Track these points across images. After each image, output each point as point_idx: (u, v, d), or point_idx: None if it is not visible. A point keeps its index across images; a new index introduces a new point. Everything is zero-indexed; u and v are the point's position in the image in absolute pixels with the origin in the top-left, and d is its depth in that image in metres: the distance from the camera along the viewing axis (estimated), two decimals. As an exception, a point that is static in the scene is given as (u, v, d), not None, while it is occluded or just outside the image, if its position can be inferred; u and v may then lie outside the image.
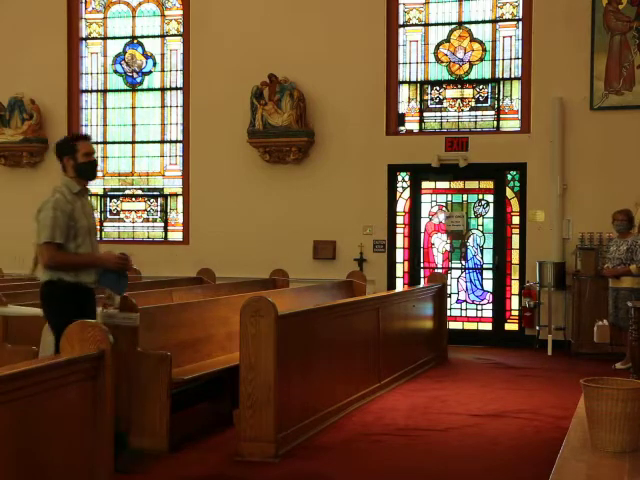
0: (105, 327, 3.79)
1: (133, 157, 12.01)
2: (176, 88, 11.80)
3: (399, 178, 10.95)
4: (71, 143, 5.19)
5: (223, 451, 5.48)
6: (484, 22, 10.84)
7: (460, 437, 5.98)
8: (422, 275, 10.87)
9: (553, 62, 10.31)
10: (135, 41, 12.00)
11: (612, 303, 8.77)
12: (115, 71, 12.06)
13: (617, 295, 8.69)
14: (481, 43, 10.83)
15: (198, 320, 6.45)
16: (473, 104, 10.82)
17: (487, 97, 10.78)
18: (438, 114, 10.94)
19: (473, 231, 10.79)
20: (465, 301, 10.81)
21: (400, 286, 10.78)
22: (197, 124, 11.50)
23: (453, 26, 10.93)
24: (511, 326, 10.61)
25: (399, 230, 10.94)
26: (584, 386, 3.18)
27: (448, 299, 10.28)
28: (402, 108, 11.01)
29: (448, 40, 10.93)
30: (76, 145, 5.15)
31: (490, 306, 10.70)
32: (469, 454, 5.57)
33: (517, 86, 10.68)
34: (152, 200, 11.94)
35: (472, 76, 10.87)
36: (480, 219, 10.78)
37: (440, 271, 10.64)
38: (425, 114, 10.96)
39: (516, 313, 10.57)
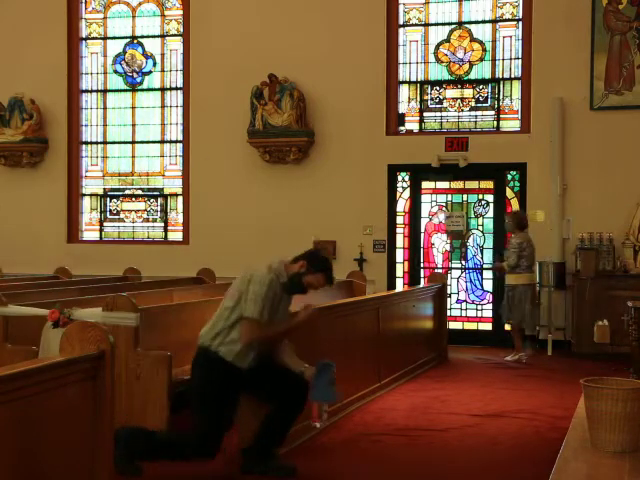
0: (104, 327, 3.79)
1: (133, 157, 12.00)
2: (176, 88, 11.80)
3: (399, 178, 10.95)
4: (320, 269, 5.01)
5: (223, 451, 5.46)
6: (484, 22, 10.84)
7: (460, 437, 5.98)
8: (422, 275, 10.87)
9: (553, 62, 10.31)
10: (135, 41, 12.00)
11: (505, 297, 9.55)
12: (115, 71, 12.06)
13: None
14: (481, 43, 10.83)
15: (198, 320, 6.42)
16: (473, 104, 10.82)
17: (487, 97, 10.79)
18: (438, 114, 10.94)
19: (473, 231, 10.79)
20: (465, 301, 10.81)
21: (400, 286, 10.78)
22: (197, 124, 11.50)
23: (453, 26, 10.93)
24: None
25: (399, 230, 10.94)
26: (584, 386, 3.18)
27: (448, 299, 10.29)
28: (402, 108, 11.01)
29: (448, 40, 10.93)
30: (318, 274, 5.01)
31: (490, 306, 10.70)
32: (469, 454, 5.57)
33: (517, 86, 10.69)
34: (152, 200, 11.94)
35: (472, 76, 10.87)
36: (480, 219, 10.78)
37: (440, 271, 10.65)
38: (425, 114, 10.97)
39: (516, 313, 10.56)
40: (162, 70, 11.90)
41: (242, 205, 11.13)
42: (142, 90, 11.98)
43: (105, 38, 12.10)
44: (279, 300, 4.94)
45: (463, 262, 10.81)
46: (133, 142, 11.98)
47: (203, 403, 4.90)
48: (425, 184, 10.92)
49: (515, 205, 10.58)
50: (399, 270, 10.96)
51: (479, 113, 10.81)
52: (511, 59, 10.72)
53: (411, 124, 11.01)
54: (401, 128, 10.99)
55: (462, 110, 10.84)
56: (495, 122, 10.77)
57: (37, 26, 11.92)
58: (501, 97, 10.74)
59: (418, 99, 10.97)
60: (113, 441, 4.26)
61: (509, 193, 10.66)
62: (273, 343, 5.04)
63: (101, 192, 12.09)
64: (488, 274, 10.71)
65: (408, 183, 10.94)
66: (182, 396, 5.44)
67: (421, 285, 10.21)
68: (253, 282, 4.83)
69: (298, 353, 5.31)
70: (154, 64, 11.93)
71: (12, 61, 12.01)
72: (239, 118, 11.11)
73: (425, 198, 10.94)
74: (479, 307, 10.76)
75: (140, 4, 11.98)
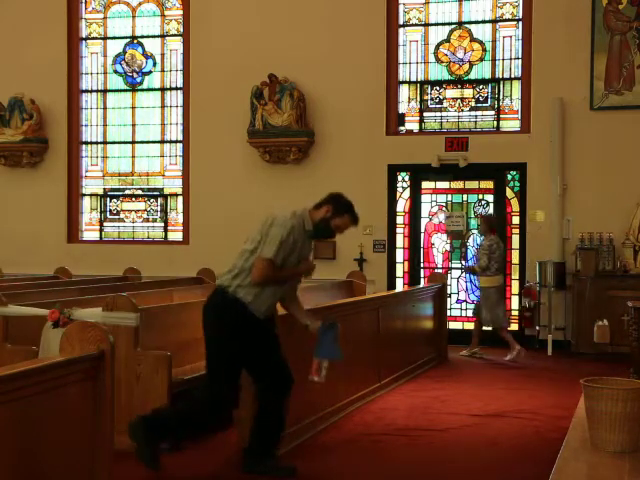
0: (104, 327, 3.79)
1: (133, 157, 12.00)
2: (176, 88, 11.80)
3: (399, 178, 10.95)
4: (345, 210, 5.22)
5: (223, 451, 5.48)
6: (484, 22, 10.84)
7: (460, 437, 5.98)
8: (422, 275, 10.87)
9: (553, 62, 10.31)
10: (135, 41, 12.00)
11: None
12: (115, 71, 12.06)
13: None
14: (481, 43, 10.83)
15: (198, 320, 6.41)
16: (473, 104, 10.82)
17: (487, 97, 10.79)
18: (438, 114, 10.94)
19: (473, 231, 10.79)
20: (465, 301, 10.81)
21: (400, 286, 10.78)
22: (197, 124, 11.50)
23: (453, 26, 10.93)
24: (511, 326, 10.60)
25: (399, 230, 10.95)
26: (584, 386, 3.18)
27: (448, 299, 10.29)
28: (402, 108, 11.01)
29: (448, 40, 10.93)
30: (345, 215, 5.17)
31: (490, 306, 10.69)
32: (469, 454, 5.58)
33: (517, 86, 10.69)
34: (152, 200, 11.94)
35: (472, 76, 10.87)
36: (480, 219, 10.76)
37: (440, 271, 10.65)
38: (425, 114, 10.97)
39: (516, 313, 10.57)
40: (162, 70, 11.90)
41: (242, 205, 11.11)
42: (142, 90, 11.98)
43: (105, 38, 12.10)
44: (300, 247, 5.00)
45: (463, 262, 10.81)
46: (133, 142, 11.98)
47: (218, 348, 4.91)
48: (425, 184, 10.92)
49: (515, 205, 10.59)
50: (399, 270, 10.96)
51: (479, 113, 10.81)
52: (511, 59, 10.72)
53: (411, 124, 11.01)
54: (401, 128, 10.99)
55: (462, 110, 10.85)
56: (495, 122, 10.77)
57: (37, 26, 11.92)
58: (501, 97, 10.75)
59: (418, 99, 10.97)
60: (131, 436, 4.37)
61: (509, 193, 10.66)
62: (280, 284, 5.03)
63: (101, 192, 12.09)
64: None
65: (408, 183, 10.94)
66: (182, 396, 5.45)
67: (421, 285, 10.21)
68: (275, 225, 4.92)
69: (298, 353, 5.32)
70: (154, 64, 11.93)
71: (12, 61, 12.00)
72: (239, 118, 11.11)
73: (425, 198, 10.94)
74: (479, 307, 10.75)
75: (140, 4, 11.98)
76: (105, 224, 12.07)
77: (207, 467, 5.19)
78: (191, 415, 5.01)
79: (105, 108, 12.07)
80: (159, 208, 11.91)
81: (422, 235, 10.92)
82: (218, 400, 4.91)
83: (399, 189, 10.96)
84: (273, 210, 5.11)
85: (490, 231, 9.57)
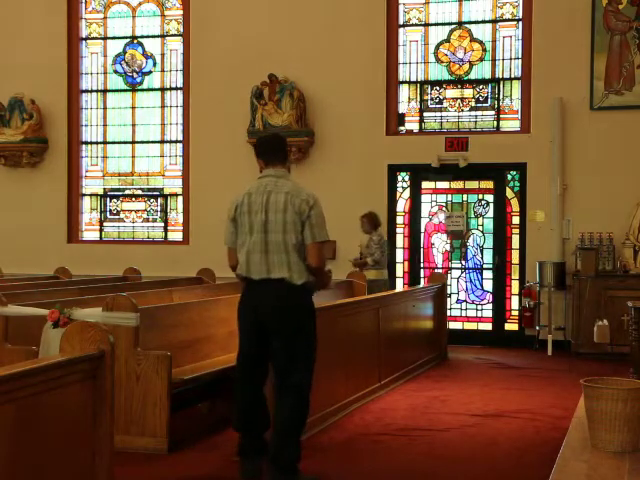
0: (104, 327, 3.79)
1: (133, 157, 12.00)
2: (176, 88, 11.80)
3: (399, 178, 10.95)
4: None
5: (223, 451, 5.48)
6: (484, 22, 10.84)
7: (460, 437, 5.98)
8: (422, 275, 10.87)
9: (553, 62, 10.31)
10: (135, 41, 12.00)
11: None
12: (115, 71, 12.06)
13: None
14: (481, 43, 10.83)
15: (198, 320, 6.45)
16: (473, 104, 10.82)
17: (487, 97, 10.79)
18: (438, 114, 10.94)
19: (473, 231, 10.79)
20: (465, 301, 10.81)
21: (400, 286, 10.78)
22: (197, 124, 11.50)
23: (453, 26, 10.93)
24: (511, 326, 10.61)
25: (399, 230, 10.95)
26: (584, 386, 3.18)
27: (448, 299, 10.29)
28: (402, 108, 11.01)
29: (448, 40, 10.93)
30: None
31: (490, 306, 10.70)
32: (469, 454, 5.57)
33: (517, 86, 10.69)
34: (152, 200, 11.94)
35: (472, 76, 10.87)
36: (480, 219, 10.78)
37: (440, 271, 10.65)
38: (425, 114, 10.97)
39: (516, 313, 10.57)
40: (162, 70, 11.90)
41: (242, 205, 11.11)
42: (142, 90, 11.98)
43: (105, 38, 12.10)
44: None
45: (463, 262, 10.81)
46: (133, 142, 11.97)
47: (310, 338, 4.86)
48: (425, 184, 10.92)
49: (515, 205, 10.59)
50: (399, 270, 10.96)
51: (479, 113, 10.81)
52: (511, 59, 10.72)
53: (411, 124, 11.01)
54: (401, 128, 10.99)
55: (462, 110, 10.84)
56: (495, 122, 10.77)
57: (37, 26, 11.92)
58: (501, 97, 10.75)
59: (418, 99, 10.97)
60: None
61: (509, 193, 10.66)
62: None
63: (101, 192, 12.09)
64: (488, 274, 10.71)
65: (408, 183, 10.94)
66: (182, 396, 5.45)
67: (421, 285, 10.22)
68: (314, 206, 4.78)
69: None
70: (154, 64, 11.93)
71: (12, 61, 11.99)
72: (239, 118, 11.10)
73: (425, 198, 10.94)
74: (479, 307, 10.76)
75: (140, 4, 11.98)
76: (105, 224, 12.07)
77: (207, 467, 5.19)
78: (305, 414, 4.88)
79: (105, 108, 12.07)
80: (159, 208, 11.91)
81: (422, 235, 10.92)
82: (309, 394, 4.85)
83: (399, 189, 10.96)
84: (287, 191, 4.82)
85: (374, 228, 9.69)
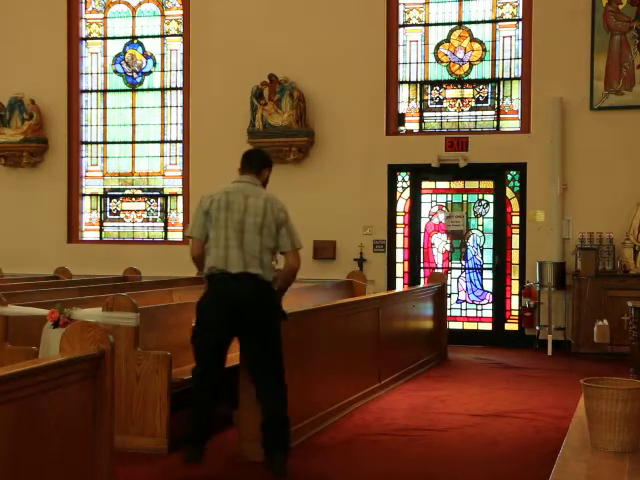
0: (104, 327, 3.79)
1: (133, 157, 12.00)
2: (176, 88, 11.80)
3: (399, 178, 10.95)
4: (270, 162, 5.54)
5: (223, 451, 5.48)
6: (484, 22, 10.84)
7: (460, 437, 5.98)
8: (422, 275, 10.87)
9: (553, 62, 10.31)
10: (135, 41, 12.00)
11: None
12: (115, 71, 12.06)
13: None
14: (481, 43, 10.83)
15: (198, 320, 6.43)
16: (473, 104, 10.82)
17: (487, 97, 10.78)
18: (438, 114, 10.94)
19: (473, 231, 10.79)
20: (465, 301, 10.81)
21: (400, 286, 10.78)
22: (197, 124, 11.50)
23: (453, 26, 10.93)
24: (511, 326, 10.61)
25: (399, 230, 10.94)
26: (584, 386, 3.18)
27: (448, 299, 10.29)
28: (402, 108, 11.01)
29: (448, 40, 10.92)
30: (270, 166, 5.50)
31: (490, 306, 10.70)
32: (469, 454, 5.57)
33: (517, 86, 10.69)
34: (152, 200, 11.94)
35: (472, 76, 10.87)
36: (480, 219, 10.78)
37: (440, 271, 10.65)
38: (425, 114, 10.97)
39: (516, 313, 10.57)
40: (162, 70, 11.89)
41: (242, 205, 11.11)
42: (142, 90, 11.97)
43: (105, 38, 12.09)
44: None
45: (463, 262, 10.81)
46: (133, 142, 11.97)
47: (278, 336, 5.16)
48: (425, 184, 10.92)
49: (515, 205, 10.59)
50: (399, 270, 10.96)
51: (479, 113, 10.81)
52: (511, 59, 10.72)
53: (411, 124, 11.01)
54: (401, 128, 10.99)
55: (462, 110, 10.84)
56: (495, 122, 10.77)
57: (37, 26, 11.91)
58: (501, 97, 10.75)
59: (418, 99, 10.97)
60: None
61: (509, 193, 10.66)
62: None
63: (101, 192, 12.08)
64: (488, 274, 10.71)
65: (408, 183, 10.94)
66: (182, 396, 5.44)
67: (421, 285, 10.21)
68: (283, 210, 5.18)
69: (298, 353, 5.32)
70: (154, 64, 11.93)
71: (12, 61, 12.00)
72: (239, 118, 11.10)
73: (425, 198, 10.94)
74: (479, 307, 10.76)
75: (140, 4, 11.98)
76: (105, 224, 12.07)
77: (207, 467, 5.19)
78: (286, 396, 5.18)
79: (105, 108, 12.06)
80: (159, 208, 11.91)
81: (422, 235, 10.92)
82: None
83: (399, 189, 10.96)
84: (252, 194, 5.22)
85: None
